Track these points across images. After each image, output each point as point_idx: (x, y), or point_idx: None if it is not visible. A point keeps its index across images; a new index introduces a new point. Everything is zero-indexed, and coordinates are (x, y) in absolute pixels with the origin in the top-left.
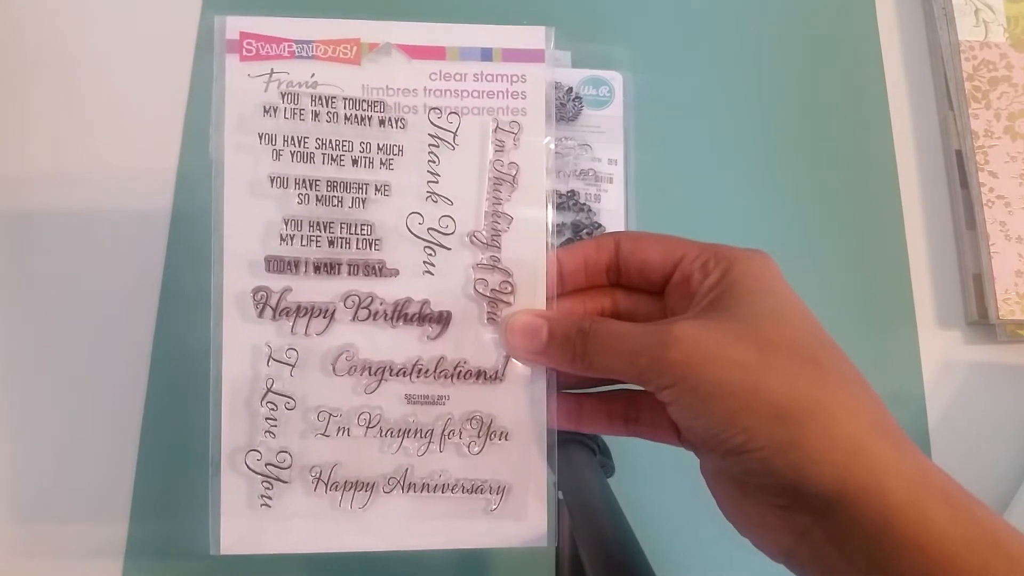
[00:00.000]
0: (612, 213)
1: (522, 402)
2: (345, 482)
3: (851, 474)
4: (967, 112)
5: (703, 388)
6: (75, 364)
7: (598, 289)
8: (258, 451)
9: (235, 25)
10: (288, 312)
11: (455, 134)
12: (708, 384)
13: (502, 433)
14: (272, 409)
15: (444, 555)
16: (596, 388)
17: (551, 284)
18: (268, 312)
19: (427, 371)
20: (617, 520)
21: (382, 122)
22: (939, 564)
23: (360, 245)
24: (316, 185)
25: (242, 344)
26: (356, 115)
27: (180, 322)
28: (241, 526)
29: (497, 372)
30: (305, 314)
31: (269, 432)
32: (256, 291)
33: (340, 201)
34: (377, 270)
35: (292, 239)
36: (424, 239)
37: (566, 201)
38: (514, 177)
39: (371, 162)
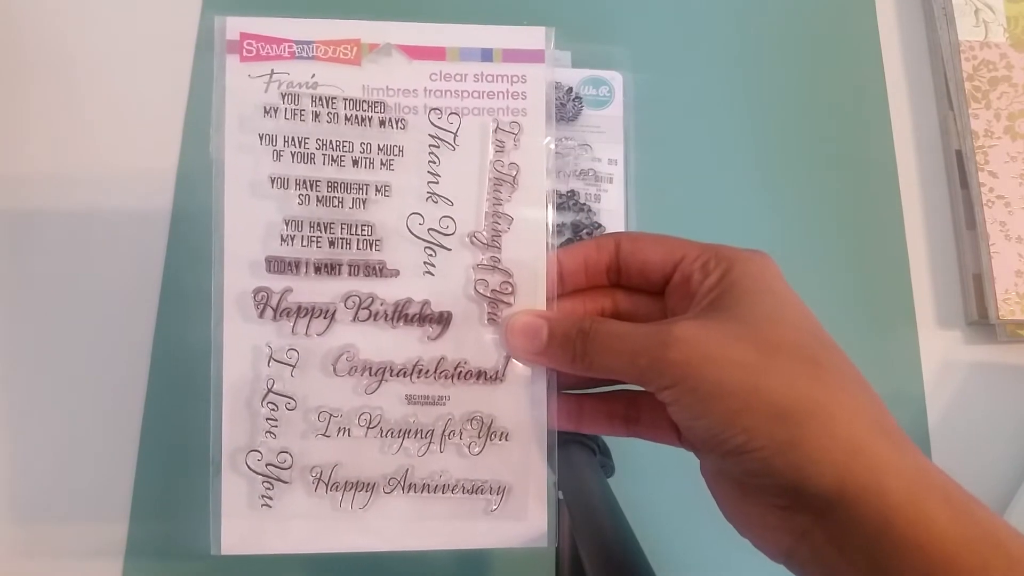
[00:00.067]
0: (612, 213)
1: (522, 402)
2: (346, 482)
3: (851, 474)
4: (967, 112)
5: (703, 388)
6: (75, 364)
7: (598, 289)
8: (259, 451)
9: (235, 26)
10: (289, 312)
11: (455, 134)
12: (708, 384)
13: (502, 433)
14: (273, 409)
15: (444, 555)
16: (596, 389)
17: (551, 284)
18: (269, 312)
19: (427, 371)
20: (617, 520)
21: (382, 123)
22: (939, 564)
23: (360, 246)
24: (317, 186)
25: (243, 344)
26: (356, 116)
27: (180, 322)
28: (242, 526)
29: (497, 372)
30: (306, 314)
31: (270, 432)
32: (257, 291)
33: (341, 202)
34: (377, 271)
35: (293, 240)
36: (424, 240)
37: (566, 201)
38: (514, 177)
39: (371, 163)
